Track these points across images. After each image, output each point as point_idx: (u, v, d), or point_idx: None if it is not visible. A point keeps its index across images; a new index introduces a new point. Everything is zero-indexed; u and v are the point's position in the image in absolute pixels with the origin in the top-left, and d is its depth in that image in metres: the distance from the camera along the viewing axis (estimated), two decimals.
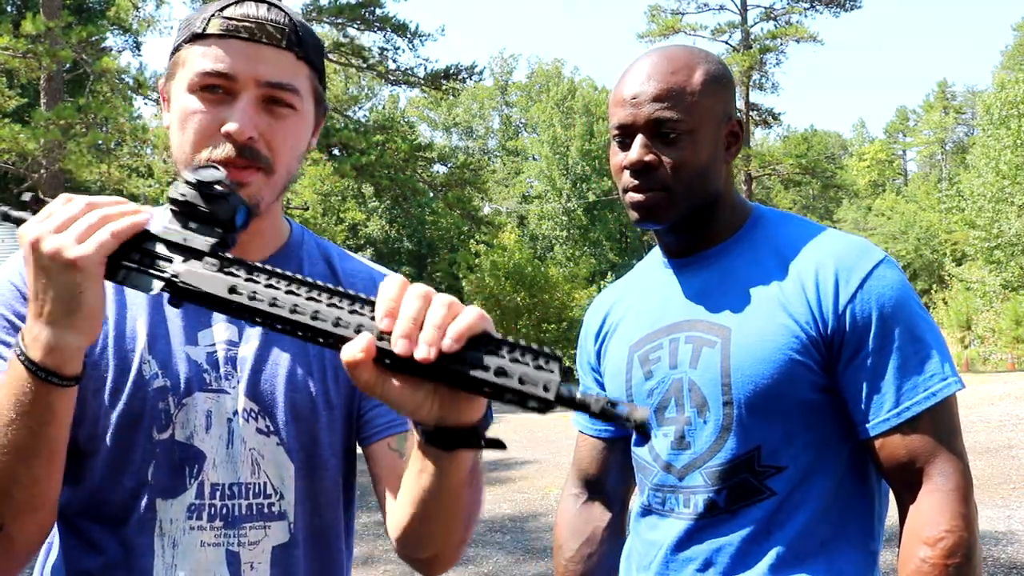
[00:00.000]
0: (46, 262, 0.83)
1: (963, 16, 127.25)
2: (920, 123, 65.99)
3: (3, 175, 22.01)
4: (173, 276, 0.81)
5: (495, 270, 21.87)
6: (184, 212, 0.85)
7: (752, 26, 32.35)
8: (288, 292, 0.77)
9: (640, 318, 1.42)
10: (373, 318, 0.75)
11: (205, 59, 1.04)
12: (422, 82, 21.61)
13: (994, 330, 25.04)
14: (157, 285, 0.82)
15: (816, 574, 1.25)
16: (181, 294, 0.81)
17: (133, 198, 24.06)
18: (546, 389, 0.69)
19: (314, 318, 0.75)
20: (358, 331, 0.74)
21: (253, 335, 1.12)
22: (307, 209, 22.07)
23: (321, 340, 0.76)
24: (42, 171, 16.57)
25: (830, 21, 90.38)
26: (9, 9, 23.44)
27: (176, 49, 1.08)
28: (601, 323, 1.51)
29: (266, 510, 1.09)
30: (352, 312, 0.76)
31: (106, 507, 1.05)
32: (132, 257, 0.84)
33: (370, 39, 21.93)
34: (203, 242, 0.83)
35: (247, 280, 0.79)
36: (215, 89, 1.04)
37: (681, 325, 1.34)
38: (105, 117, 17.45)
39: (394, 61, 21.65)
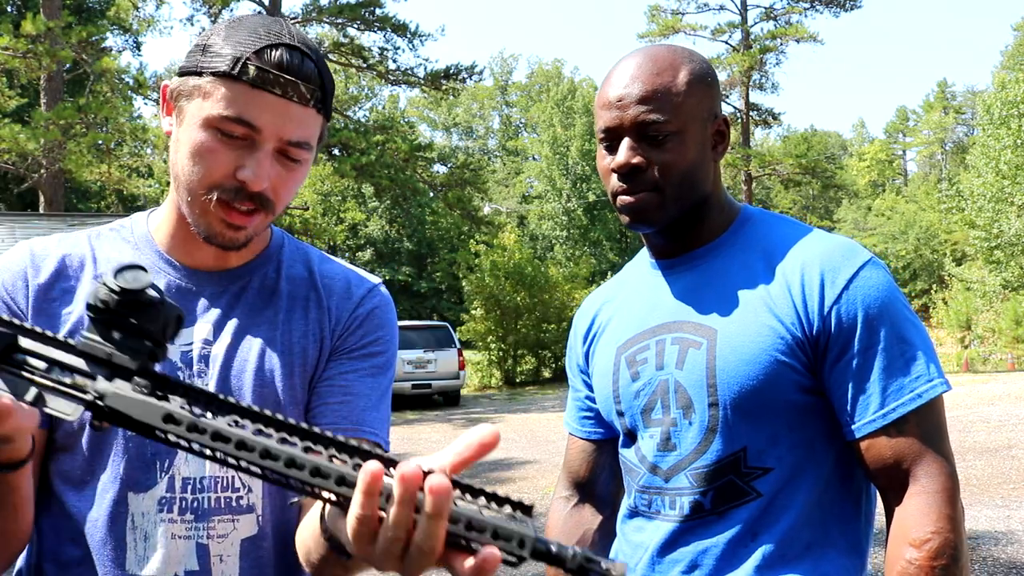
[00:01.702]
0: None
1: (963, 16, 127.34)
2: (920, 123, 66.00)
3: (3, 175, 21.99)
4: (97, 398, 0.69)
5: (495, 270, 21.80)
6: (104, 321, 0.72)
7: (752, 26, 32.35)
8: (232, 423, 0.67)
9: (627, 319, 1.41)
10: (329, 458, 0.66)
11: (234, 105, 1.04)
12: (422, 82, 21.62)
13: (994, 330, 24.99)
14: (77, 410, 0.71)
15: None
16: (107, 418, 0.70)
17: (133, 198, 24.09)
18: (521, 545, 0.63)
19: (264, 456, 0.66)
20: (312, 476, 0.65)
21: (227, 333, 1.15)
22: (307, 209, 22.08)
23: (272, 480, 0.67)
24: (42, 171, 16.56)
25: (830, 21, 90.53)
26: (9, 9, 23.42)
27: (198, 71, 1.06)
28: (589, 325, 1.51)
29: (234, 503, 1.11)
30: (307, 450, 0.67)
31: (81, 500, 1.08)
32: (38, 370, 0.71)
33: (370, 39, 21.98)
34: (130, 358, 0.71)
35: (183, 407, 0.69)
36: (236, 134, 1.05)
37: (668, 326, 1.34)
38: (105, 117, 17.45)
39: (394, 61, 21.67)
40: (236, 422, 0.68)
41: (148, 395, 0.69)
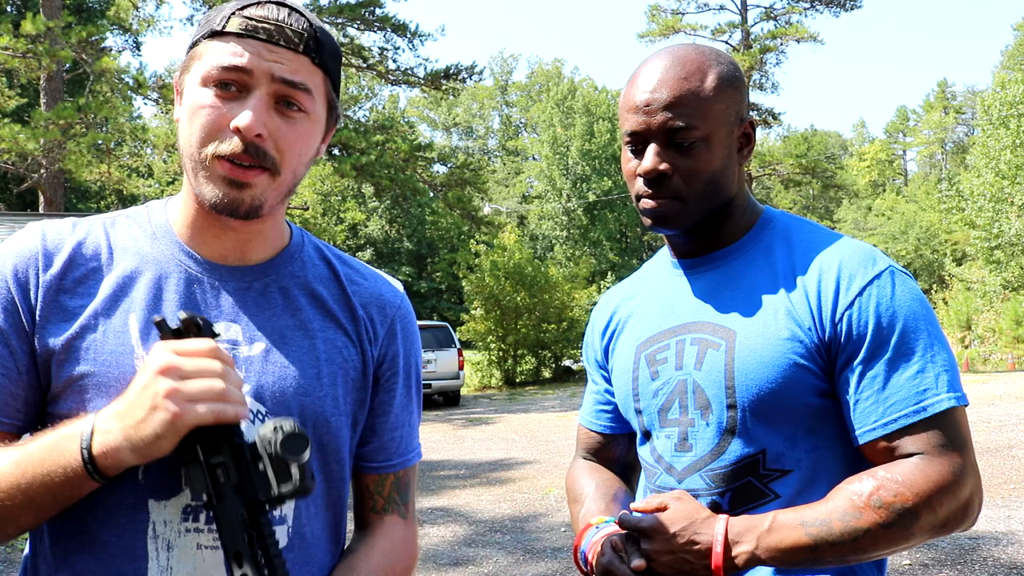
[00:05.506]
0: (158, 398, 0.93)
1: (963, 16, 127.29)
2: (920, 123, 66.00)
3: (3, 175, 21.99)
4: (217, 502, 0.95)
5: (495, 270, 21.79)
6: (268, 458, 0.95)
7: (752, 26, 32.31)
8: None
9: (648, 318, 1.42)
10: None
11: (221, 54, 1.04)
12: (422, 82, 21.59)
13: (994, 330, 24.96)
14: (197, 493, 0.97)
15: None
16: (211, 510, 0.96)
17: (133, 198, 24.09)
18: None
19: None
20: None
21: (259, 336, 1.10)
22: (307, 209, 22.04)
23: None
24: (42, 171, 16.55)
25: (830, 21, 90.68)
26: (9, 9, 23.42)
27: (194, 44, 1.07)
28: (608, 320, 1.51)
29: None
30: None
31: (98, 507, 1.03)
32: (210, 447, 0.95)
33: (370, 39, 21.95)
34: (267, 493, 0.94)
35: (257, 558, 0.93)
36: (228, 86, 1.03)
37: (688, 326, 1.34)
38: (105, 117, 17.43)
39: (394, 61, 21.64)
40: None
41: (245, 529, 0.94)
